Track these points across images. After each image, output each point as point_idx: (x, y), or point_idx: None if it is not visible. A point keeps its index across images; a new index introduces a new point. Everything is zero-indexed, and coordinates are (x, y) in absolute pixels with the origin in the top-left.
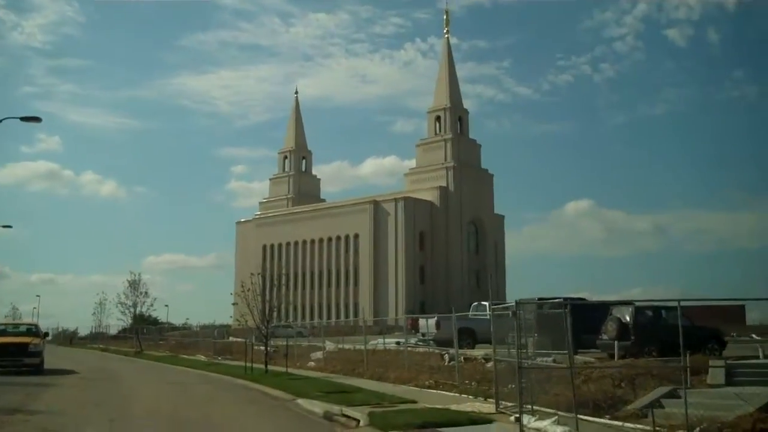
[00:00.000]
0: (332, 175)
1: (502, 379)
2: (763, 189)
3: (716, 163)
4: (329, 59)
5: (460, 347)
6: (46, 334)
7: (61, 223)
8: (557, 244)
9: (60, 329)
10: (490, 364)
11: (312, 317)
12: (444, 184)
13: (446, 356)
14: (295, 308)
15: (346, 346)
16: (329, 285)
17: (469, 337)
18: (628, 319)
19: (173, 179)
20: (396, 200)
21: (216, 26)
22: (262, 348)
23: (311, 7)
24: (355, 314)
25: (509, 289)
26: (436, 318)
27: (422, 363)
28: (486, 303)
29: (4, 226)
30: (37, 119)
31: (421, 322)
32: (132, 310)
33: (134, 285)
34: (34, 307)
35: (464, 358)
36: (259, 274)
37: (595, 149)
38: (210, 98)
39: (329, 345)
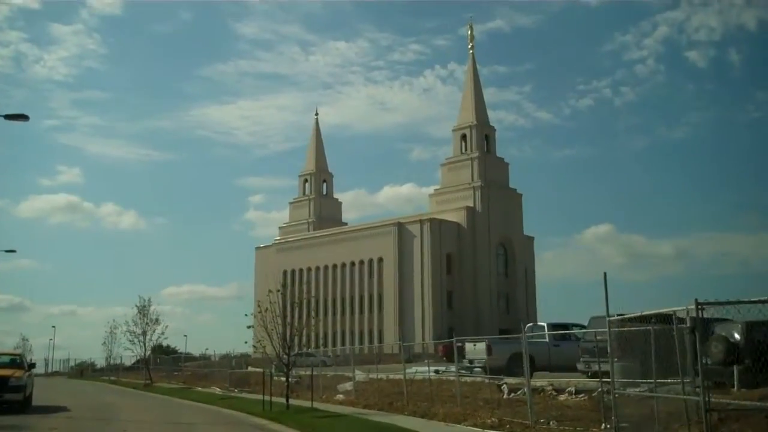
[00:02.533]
0: (350, 203)
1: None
2: None
3: (737, 185)
4: (348, 87)
5: (514, 375)
6: (33, 365)
7: (82, 255)
8: (578, 269)
9: (74, 361)
10: (563, 397)
11: (335, 345)
12: (471, 204)
13: (504, 387)
14: (317, 336)
15: (378, 376)
16: (352, 311)
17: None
18: (737, 337)
19: (193, 210)
20: (421, 222)
21: (235, 56)
22: (283, 379)
23: (330, 35)
24: (380, 341)
25: (540, 314)
26: (486, 342)
27: (474, 395)
28: (543, 324)
29: (7, 251)
30: (24, 117)
31: (468, 346)
32: (142, 338)
33: (143, 311)
34: (50, 339)
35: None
36: (278, 291)
37: (615, 174)
38: (230, 128)
39: (359, 375)
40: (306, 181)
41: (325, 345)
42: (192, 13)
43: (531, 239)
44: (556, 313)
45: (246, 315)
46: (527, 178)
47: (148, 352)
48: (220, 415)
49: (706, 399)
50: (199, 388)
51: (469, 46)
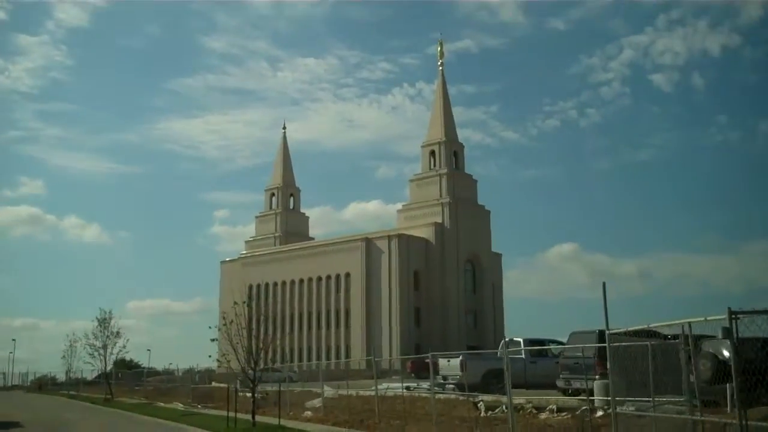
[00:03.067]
0: (316, 219)
1: None
2: (746, 233)
3: (699, 207)
4: (317, 104)
5: (490, 392)
6: None
7: (44, 269)
8: (543, 288)
9: (33, 375)
10: (544, 415)
11: (301, 360)
12: (439, 220)
13: (481, 405)
14: (283, 351)
15: (347, 392)
16: (319, 326)
17: (501, 380)
18: (726, 355)
19: (157, 224)
20: (389, 237)
21: (203, 70)
22: (248, 394)
23: (299, 51)
24: (347, 357)
25: (507, 331)
26: (461, 357)
27: (449, 413)
28: (519, 339)
29: None
30: None
31: (441, 362)
32: (102, 352)
33: (104, 324)
34: (10, 352)
35: (506, 408)
36: (244, 302)
37: (580, 193)
38: (197, 142)
39: (328, 391)
40: (273, 195)
41: (291, 360)
42: (160, 28)
43: (499, 256)
44: (523, 331)
45: (210, 327)
46: (493, 197)
47: (109, 366)
48: None
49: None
50: (161, 404)
51: (439, 63)
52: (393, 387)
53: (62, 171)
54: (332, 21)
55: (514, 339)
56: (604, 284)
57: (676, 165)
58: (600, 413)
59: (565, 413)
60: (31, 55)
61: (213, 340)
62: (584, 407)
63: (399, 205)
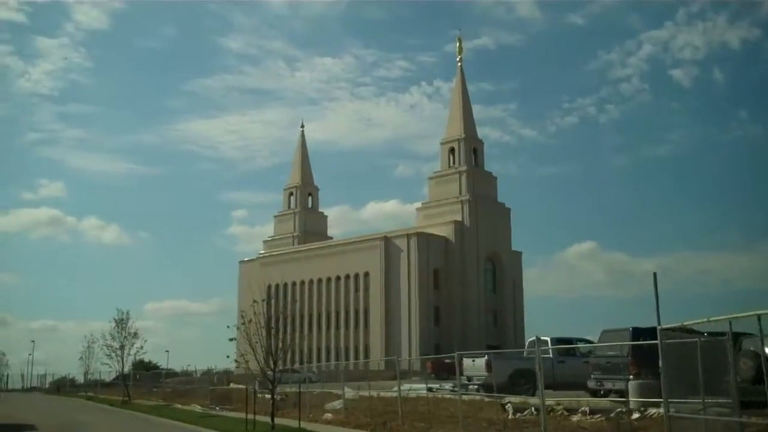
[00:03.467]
0: (334, 219)
1: None
2: (766, 230)
3: (719, 204)
4: (334, 103)
5: (516, 393)
6: None
7: (64, 270)
8: (560, 287)
9: (51, 376)
10: (576, 418)
11: (319, 361)
12: (459, 218)
13: (509, 407)
14: (301, 351)
15: (369, 393)
16: (338, 326)
17: (528, 381)
18: None
19: (176, 224)
20: (408, 236)
21: (221, 71)
22: (267, 396)
23: (316, 51)
24: (366, 357)
25: (527, 330)
26: (486, 357)
27: (475, 415)
28: (546, 338)
29: None
30: None
31: (466, 362)
32: (119, 353)
33: (121, 325)
34: (29, 354)
35: (536, 410)
36: (263, 300)
37: (599, 191)
38: (216, 143)
39: (349, 392)
40: (291, 194)
41: (310, 361)
42: (178, 29)
43: (519, 254)
44: (543, 330)
45: (228, 327)
46: (512, 196)
47: (127, 368)
48: None
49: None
50: (179, 406)
51: (458, 59)
52: (416, 388)
53: (82, 172)
54: (349, 20)
55: (542, 338)
56: (655, 275)
57: (696, 161)
58: (636, 415)
59: (598, 415)
60: (51, 58)
61: (231, 339)
62: (619, 409)
63: (417, 204)
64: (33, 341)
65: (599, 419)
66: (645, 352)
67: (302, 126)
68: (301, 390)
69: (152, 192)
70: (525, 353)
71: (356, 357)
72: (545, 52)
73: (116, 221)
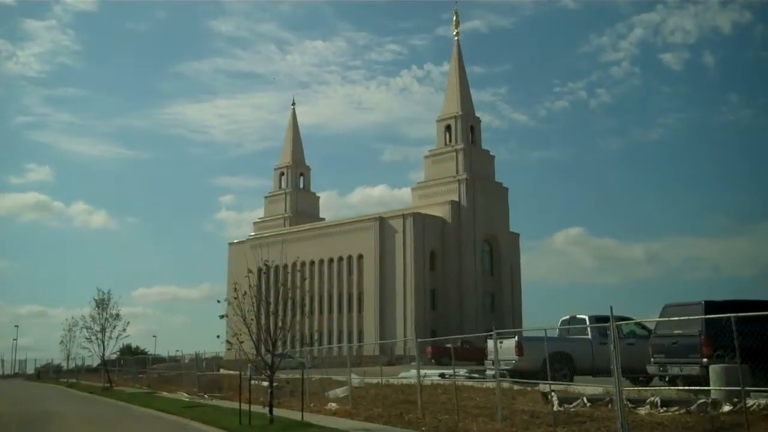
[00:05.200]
0: (322, 204)
1: None
2: (757, 215)
3: (709, 188)
4: (325, 86)
5: (552, 380)
6: None
7: (51, 256)
8: (549, 272)
9: (34, 363)
10: (644, 410)
11: (311, 345)
12: (456, 198)
13: (553, 396)
14: (292, 336)
15: (373, 380)
16: (330, 310)
17: (566, 365)
18: None
19: (166, 210)
20: (404, 216)
21: (211, 54)
22: (263, 383)
23: (307, 34)
24: (360, 341)
25: (525, 315)
26: (516, 338)
27: (509, 407)
28: (585, 316)
29: None
30: None
31: (490, 344)
32: (100, 335)
33: (102, 306)
34: (14, 339)
35: (588, 401)
36: (260, 269)
37: (589, 176)
38: (206, 127)
39: (355, 378)
40: (282, 174)
41: (302, 345)
42: (167, 11)
43: (516, 236)
44: (540, 315)
45: (219, 302)
46: (502, 180)
47: (110, 352)
48: (187, 430)
49: None
50: (165, 393)
51: (454, 33)
52: (428, 374)
53: (71, 157)
54: (339, 2)
55: (577, 316)
56: None
57: (687, 145)
58: (726, 408)
59: (675, 408)
60: (40, 40)
61: (222, 316)
62: (702, 400)
63: (406, 190)
64: (17, 326)
65: (677, 412)
66: (722, 329)
67: (293, 104)
68: (300, 377)
69: (141, 176)
70: (557, 333)
71: (349, 341)
72: (536, 35)
73: (105, 206)
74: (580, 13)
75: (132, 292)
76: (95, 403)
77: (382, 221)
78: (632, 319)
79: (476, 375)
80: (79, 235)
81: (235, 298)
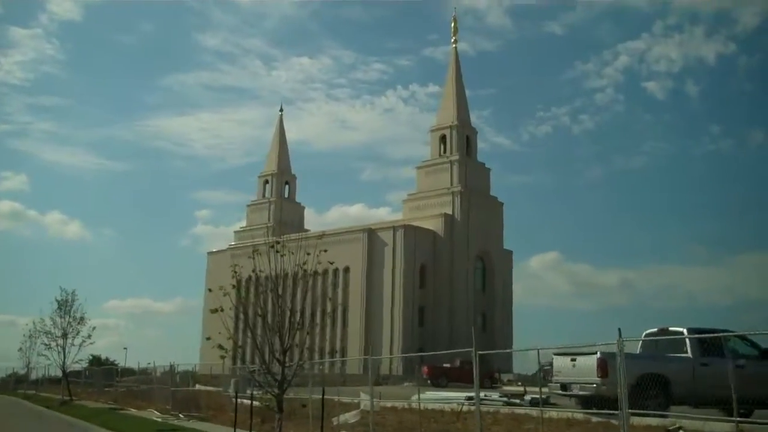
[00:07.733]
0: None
1: None
2: (734, 245)
3: (688, 217)
4: (310, 103)
5: (641, 408)
6: None
7: (24, 265)
8: (523, 297)
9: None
10: None
11: (291, 361)
12: (449, 211)
13: None
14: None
15: (388, 403)
16: (312, 325)
17: (660, 392)
18: None
19: (142, 222)
20: (395, 228)
21: (197, 68)
22: (253, 402)
23: (294, 51)
24: (343, 357)
25: (516, 336)
26: (598, 355)
27: None
28: (682, 329)
29: None
30: None
31: (557, 363)
32: (61, 342)
33: (64, 307)
34: None
35: None
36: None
37: (568, 201)
38: (188, 140)
39: (365, 400)
40: (267, 182)
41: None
42: (154, 24)
43: (510, 253)
44: (531, 337)
45: (210, 290)
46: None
47: (72, 360)
48: None
49: None
50: (133, 410)
51: (452, 40)
52: (451, 398)
53: (49, 166)
54: (327, 20)
55: (670, 329)
56: None
57: (668, 174)
58: None
59: None
60: (23, 48)
61: (214, 311)
62: None
63: (383, 210)
64: None
65: None
66: None
67: (281, 110)
68: (294, 396)
69: (120, 188)
70: (638, 349)
71: (332, 358)
72: (522, 60)
73: (80, 217)
74: (566, 39)
75: (104, 303)
76: (47, 421)
77: (371, 233)
78: (732, 332)
79: (517, 401)
80: (54, 244)
81: (225, 294)
